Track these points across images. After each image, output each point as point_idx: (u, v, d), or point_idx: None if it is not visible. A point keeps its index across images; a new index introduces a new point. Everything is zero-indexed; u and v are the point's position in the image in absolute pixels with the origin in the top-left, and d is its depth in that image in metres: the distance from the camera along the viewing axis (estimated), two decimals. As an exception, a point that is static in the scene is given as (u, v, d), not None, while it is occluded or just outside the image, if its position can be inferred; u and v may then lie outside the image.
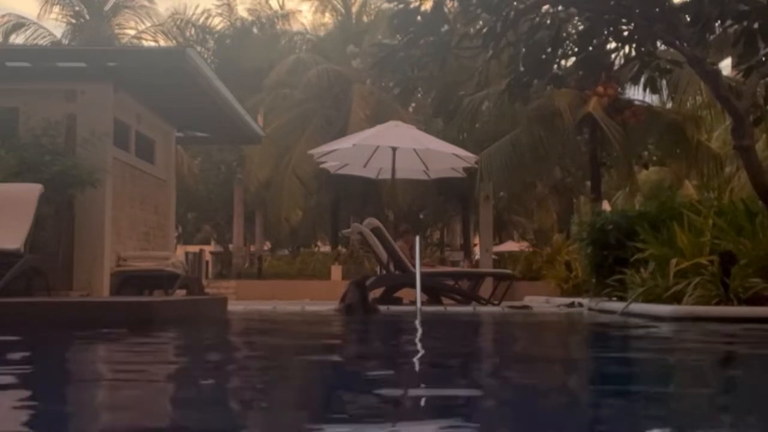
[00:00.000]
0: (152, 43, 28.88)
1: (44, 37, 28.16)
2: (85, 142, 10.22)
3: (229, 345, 5.36)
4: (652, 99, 19.46)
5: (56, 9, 28.72)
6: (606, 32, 8.75)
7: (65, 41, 28.41)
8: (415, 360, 4.14)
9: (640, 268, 8.80)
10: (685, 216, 8.53)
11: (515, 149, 19.77)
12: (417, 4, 8.40)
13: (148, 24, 29.63)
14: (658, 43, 9.05)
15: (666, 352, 4.87)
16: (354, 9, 29.77)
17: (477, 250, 25.57)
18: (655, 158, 23.31)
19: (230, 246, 33.56)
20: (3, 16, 28.21)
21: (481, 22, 8.66)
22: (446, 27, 8.68)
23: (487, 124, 21.90)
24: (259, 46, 28.67)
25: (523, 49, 8.55)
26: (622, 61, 9.50)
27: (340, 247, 27.06)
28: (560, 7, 8.69)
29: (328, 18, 30.65)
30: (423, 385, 3.14)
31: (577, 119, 19.07)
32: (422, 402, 2.63)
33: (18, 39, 27.70)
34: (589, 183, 22.05)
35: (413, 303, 10.87)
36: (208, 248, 34.14)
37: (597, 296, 10.26)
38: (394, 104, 25.48)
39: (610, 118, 18.86)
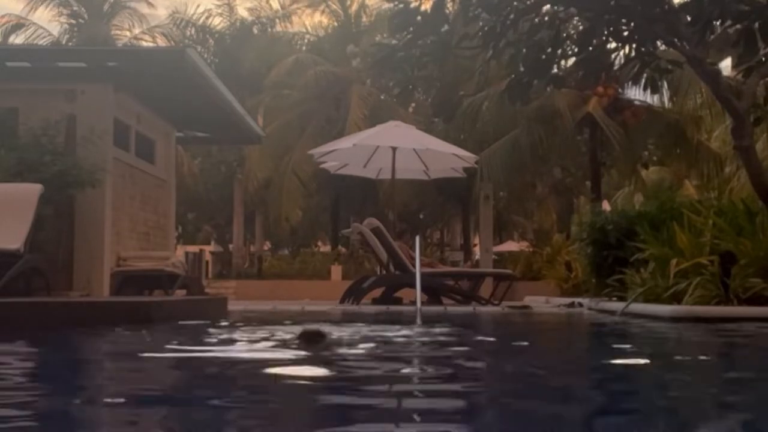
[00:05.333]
0: (151, 44, 28.87)
1: (44, 37, 28.15)
2: (85, 142, 10.21)
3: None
4: (652, 99, 19.49)
5: (52, 9, 28.67)
6: (606, 32, 8.75)
7: (62, 41, 28.39)
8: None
9: (640, 268, 8.80)
10: (685, 216, 8.53)
11: (515, 149, 19.80)
12: (417, 4, 8.40)
13: (148, 25, 29.61)
14: (658, 43, 9.05)
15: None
16: (353, 9, 29.74)
17: (477, 250, 25.56)
18: (655, 158, 23.33)
19: (230, 246, 33.54)
20: (3, 16, 28.21)
21: (481, 23, 8.65)
22: (446, 27, 8.68)
23: (487, 124, 21.90)
24: (259, 46, 28.66)
25: (523, 50, 8.55)
26: (622, 61, 9.50)
27: (340, 247, 27.07)
28: (560, 7, 8.69)
29: (326, 19, 30.65)
30: None
31: (577, 119, 19.08)
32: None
33: (18, 39, 27.71)
34: (589, 183, 22.06)
35: (413, 303, 10.87)
36: (208, 248, 34.14)
37: (597, 296, 10.26)
38: (394, 104, 25.49)
39: (610, 118, 18.88)
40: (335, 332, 5.16)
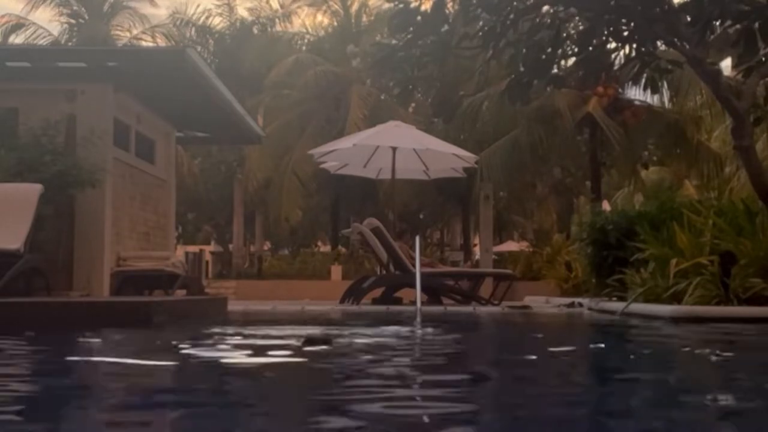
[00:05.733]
0: (151, 44, 28.86)
1: (44, 37, 28.16)
2: (85, 141, 10.21)
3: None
4: (652, 99, 19.50)
5: (52, 9, 28.68)
6: (606, 32, 8.74)
7: (62, 41, 28.39)
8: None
9: (640, 268, 8.80)
10: (685, 216, 8.52)
11: (515, 149, 19.81)
12: (417, 4, 8.40)
13: (148, 25, 29.61)
14: (658, 43, 9.05)
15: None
16: (353, 9, 29.73)
17: (477, 250, 25.57)
18: (655, 158, 23.35)
19: (230, 246, 33.55)
20: (3, 16, 28.21)
21: (481, 23, 8.65)
22: (446, 27, 8.68)
23: (487, 124, 21.93)
24: (259, 46, 28.66)
25: (524, 50, 8.54)
26: (622, 61, 9.49)
27: (340, 247, 27.07)
28: (560, 7, 8.69)
29: (326, 19, 30.66)
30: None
31: (577, 119, 19.09)
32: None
33: (18, 39, 27.71)
34: (589, 183, 22.07)
35: (413, 303, 10.87)
36: (208, 248, 34.15)
37: (597, 296, 10.26)
38: (394, 104, 25.49)
39: (610, 118, 18.89)
40: (335, 333, 5.10)
